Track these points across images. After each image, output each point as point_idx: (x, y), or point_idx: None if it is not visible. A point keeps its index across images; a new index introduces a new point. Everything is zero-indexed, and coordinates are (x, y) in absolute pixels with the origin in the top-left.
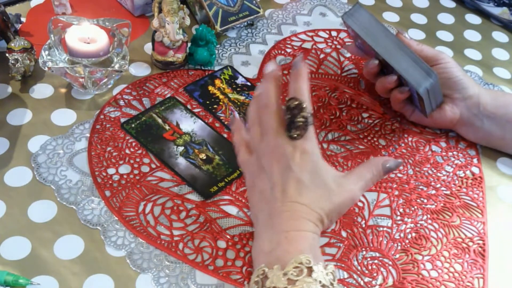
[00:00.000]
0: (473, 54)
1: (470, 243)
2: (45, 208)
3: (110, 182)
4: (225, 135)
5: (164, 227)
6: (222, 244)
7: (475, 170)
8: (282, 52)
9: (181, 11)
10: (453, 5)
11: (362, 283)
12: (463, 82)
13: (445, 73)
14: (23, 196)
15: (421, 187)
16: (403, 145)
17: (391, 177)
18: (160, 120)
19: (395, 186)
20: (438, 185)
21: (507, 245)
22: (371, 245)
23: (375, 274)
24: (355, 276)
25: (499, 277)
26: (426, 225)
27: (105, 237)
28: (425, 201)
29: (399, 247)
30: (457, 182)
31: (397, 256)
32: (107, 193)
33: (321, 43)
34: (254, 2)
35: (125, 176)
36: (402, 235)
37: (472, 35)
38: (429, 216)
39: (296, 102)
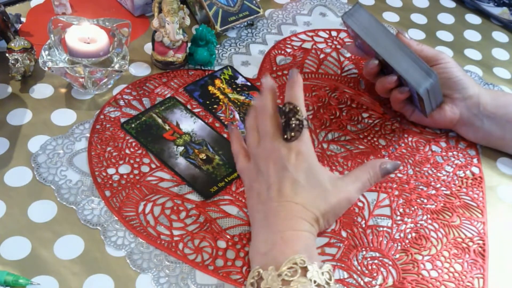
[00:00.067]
0: (473, 54)
1: (470, 243)
2: (45, 208)
3: (110, 182)
4: (225, 135)
5: (164, 227)
6: (222, 244)
7: (475, 170)
8: (282, 52)
9: (181, 11)
10: (453, 5)
11: (362, 283)
12: (463, 82)
13: (445, 73)
14: (23, 196)
15: (421, 187)
16: (403, 145)
17: (391, 177)
18: (160, 120)
19: (395, 186)
20: (438, 185)
21: (507, 245)
22: (371, 245)
23: (375, 274)
24: (355, 276)
25: (499, 277)
26: (426, 225)
27: (105, 237)
28: (425, 201)
29: (399, 247)
30: (457, 182)
31: (397, 256)
32: (107, 193)
33: (321, 43)
34: (254, 2)
35: (125, 176)
36: (402, 235)
37: (472, 35)
38: (429, 216)
39: (291, 106)
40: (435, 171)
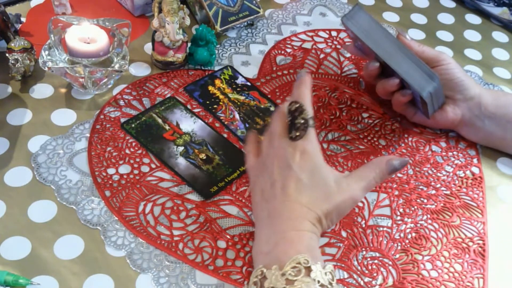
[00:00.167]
0: (473, 54)
1: (470, 243)
2: (45, 208)
3: (110, 182)
4: (225, 135)
5: (164, 227)
6: (222, 244)
7: (475, 170)
8: (282, 52)
9: (181, 11)
10: (453, 5)
11: (362, 283)
12: (465, 83)
13: (446, 75)
14: (23, 196)
15: (421, 187)
16: (403, 145)
17: (391, 177)
18: (160, 120)
19: (395, 186)
20: (438, 185)
21: (507, 245)
22: (371, 245)
23: (375, 274)
24: (355, 276)
25: (499, 277)
26: (426, 225)
27: (105, 237)
28: (425, 201)
29: (399, 247)
30: (457, 182)
31: (397, 256)
32: (107, 193)
33: (321, 43)
34: (254, 2)
35: (125, 176)
36: (402, 235)
37: (472, 35)
38: (429, 216)
39: (297, 105)
40: (435, 171)
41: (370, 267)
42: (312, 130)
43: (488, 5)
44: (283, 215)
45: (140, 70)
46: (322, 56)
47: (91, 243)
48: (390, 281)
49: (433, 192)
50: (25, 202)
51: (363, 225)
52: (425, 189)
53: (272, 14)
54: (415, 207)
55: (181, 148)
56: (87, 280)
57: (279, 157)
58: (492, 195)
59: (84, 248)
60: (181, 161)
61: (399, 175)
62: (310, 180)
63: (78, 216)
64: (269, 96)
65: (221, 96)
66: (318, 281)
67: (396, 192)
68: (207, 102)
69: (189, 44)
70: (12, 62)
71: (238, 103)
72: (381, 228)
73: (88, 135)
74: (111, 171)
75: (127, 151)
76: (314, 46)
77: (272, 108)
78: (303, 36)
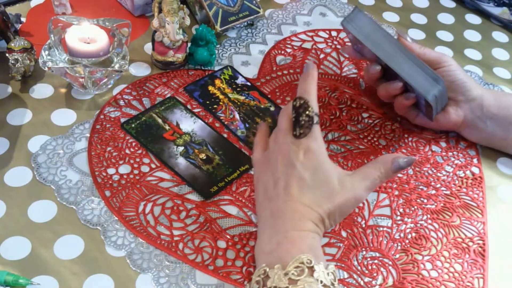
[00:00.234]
0: (473, 54)
1: (470, 243)
2: (45, 208)
3: (110, 182)
4: (225, 135)
5: (164, 227)
6: (222, 244)
7: (475, 170)
8: (282, 52)
9: (181, 11)
10: (453, 5)
11: (362, 283)
12: (467, 84)
13: (448, 76)
14: (23, 196)
15: (421, 187)
16: (403, 145)
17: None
18: (160, 120)
19: (395, 186)
20: (438, 185)
21: (507, 245)
22: (371, 245)
23: (375, 274)
24: (355, 276)
25: (499, 277)
26: (426, 225)
27: (105, 237)
28: (425, 201)
29: (399, 247)
30: (457, 182)
31: (397, 256)
32: (107, 193)
33: (321, 43)
34: (254, 2)
35: (125, 176)
36: (402, 235)
37: (472, 35)
38: (429, 216)
39: (301, 102)
40: (435, 171)
41: (370, 267)
42: (316, 127)
43: (488, 5)
44: (286, 215)
45: (140, 70)
46: (322, 56)
47: (91, 243)
48: (390, 281)
49: (433, 192)
50: (25, 202)
51: (363, 225)
52: (425, 189)
53: (272, 14)
54: (415, 207)
55: (181, 148)
56: (87, 280)
57: (283, 154)
58: (492, 195)
59: (84, 248)
60: (181, 161)
61: (399, 175)
62: (313, 180)
63: (78, 216)
64: (269, 96)
65: (221, 96)
66: (321, 281)
67: (396, 192)
68: (207, 102)
69: (189, 44)
70: (12, 62)
71: (238, 103)
72: (381, 228)
73: (88, 135)
74: (111, 171)
75: (127, 151)
76: (314, 46)
77: (272, 108)
78: (303, 36)
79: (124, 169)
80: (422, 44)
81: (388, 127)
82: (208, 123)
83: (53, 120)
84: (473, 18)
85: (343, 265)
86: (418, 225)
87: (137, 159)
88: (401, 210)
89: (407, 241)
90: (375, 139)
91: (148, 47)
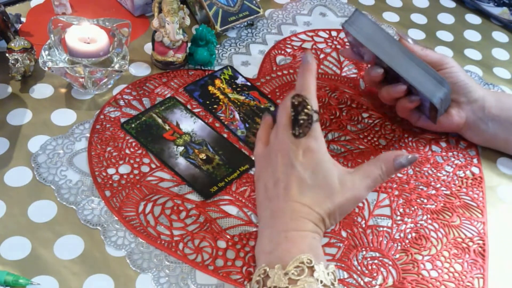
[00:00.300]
0: (473, 54)
1: (470, 243)
2: (45, 208)
3: (110, 182)
4: (225, 135)
5: (164, 227)
6: (222, 244)
7: (475, 170)
8: (282, 52)
9: (181, 11)
10: (453, 5)
11: (362, 283)
12: (469, 86)
13: (450, 78)
14: (23, 196)
15: (421, 187)
16: (403, 145)
17: (391, 177)
18: (160, 120)
19: (395, 186)
20: (438, 185)
21: (507, 245)
22: (371, 245)
23: (375, 274)
24: (355, 276)
25: (499, 277)
26: (426, 225)
27: (105, 237)
28: (425, 201)
29: (399, 247)
30: (457, 182)
31: (397, 256)
32: (107, 193)
33: (321, 43)
34: (254, 2)
35: (125, 176)
36: (402, 235)
37: (472, 35)
38: (429, 216)
39: (300, 99)
40: (435, 171)
41: (370, 267)
42: (316, 125)
43: (488, 5)
44: (286, 215)
45: (140, 70)
46: (322, 56)
47: (91, 243)
48: (390, 281)
49: (433, 192)
50: (25, 202)
51: (363, 225)
52: (425, 189)
53: (272, 14)
54: (415, 207)
55: (181, 148)
56: (87, 280)
57: (282, 153)
58: (492, 195)
59: (84, 248)
60: (181, 161)
61: (399, 175)
62: (313, 179)
63: (78, 216)
64: (269, 96)
65: (221, 96)
66: (321, 281)
67: (396, 192)
68: (207, 102)
69: (189, 44)
70: (12, 62)
71: (238, 103)
72: (381, 228)
73: (88, 135)
74: (111, 171)
75: (127, 151)
76: (314, 46)
77: (272, 108)
78: (303, 36)
79: (124, 169)
80: (422, 44)
81: (388, 127)
82: (208, 123)
83: (53, 120)
84: (473, 18)
85: (343, 265)
86: (418, 225)
87: (137, 159)
88: (401, 210)
89: (407, 241)
90: (375, 139)
91: (148, 47)
